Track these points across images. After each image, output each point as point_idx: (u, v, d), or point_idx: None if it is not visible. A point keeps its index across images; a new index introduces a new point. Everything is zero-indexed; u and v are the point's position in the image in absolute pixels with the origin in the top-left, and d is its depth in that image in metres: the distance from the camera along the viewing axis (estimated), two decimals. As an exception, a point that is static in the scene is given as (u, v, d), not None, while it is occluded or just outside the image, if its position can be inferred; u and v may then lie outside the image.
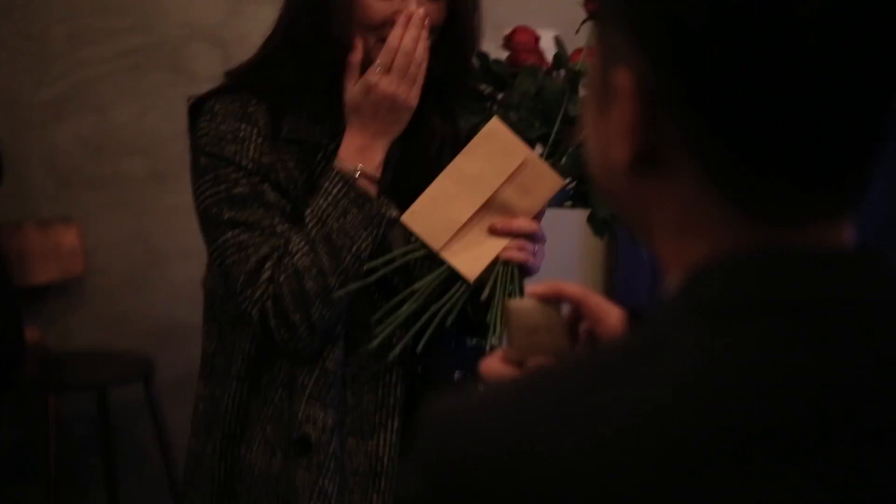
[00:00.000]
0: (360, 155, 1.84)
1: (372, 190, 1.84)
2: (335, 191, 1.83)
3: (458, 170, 1.82)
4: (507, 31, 1.89)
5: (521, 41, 1.85)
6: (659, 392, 0.69)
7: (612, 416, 0.69)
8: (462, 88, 1.91)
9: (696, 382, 0.69)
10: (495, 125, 1.82)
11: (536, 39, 1.87)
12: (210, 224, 1.87)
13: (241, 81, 1.90)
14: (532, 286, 1.19)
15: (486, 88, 1.91)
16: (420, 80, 1.82)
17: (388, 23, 1.83)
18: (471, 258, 1.84)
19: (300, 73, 1.87)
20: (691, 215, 0.75)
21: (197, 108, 1.90)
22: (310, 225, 1.83)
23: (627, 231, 1.78)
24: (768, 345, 0.69)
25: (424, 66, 1.82)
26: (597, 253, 3.39)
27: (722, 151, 0.72)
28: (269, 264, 1.83)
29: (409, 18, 1.81)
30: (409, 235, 1.87)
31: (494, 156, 1.81)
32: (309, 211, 1.84)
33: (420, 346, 1.84)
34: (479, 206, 1.83)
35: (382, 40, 1.83)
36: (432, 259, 1.85)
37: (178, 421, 3.14)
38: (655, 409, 0.68)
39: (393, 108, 1.82)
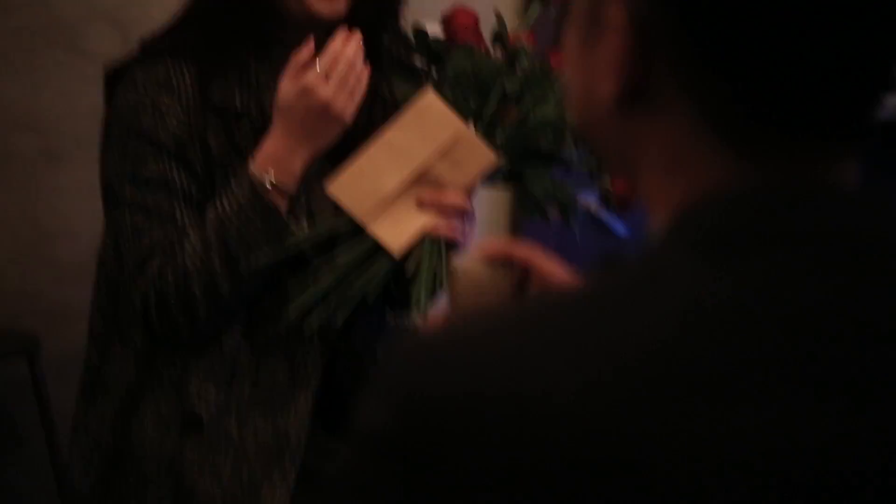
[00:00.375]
0: (277, 163, 1.76)
1: (282, 204, 1.77)
2: (241, 197, 1.75)
3: (388, 142, 1.77)
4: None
5: (460, 23, 1.82)
6: (659, 329, 0.66)
7: (608, 355, 0.66)
8: (391, 43, 1.86)
9: (698, 319, 0.66)
10: (429, 98, 1.78)
11: (476, 20, 1.84)
12: (111, 200, 1.81)
13: (164, 45, 1.81)
14: (479, 247, 1.18)
15: (420, 63, 1.87)
16: (357, 98, 1.75)
17: None
18: (397, 232, 1.79)
19: (229, 28, 1.79)
20: (681, 153, 0.72)
21: (116, 75, 1.83)
22: (209, 226, 1.76)
23: (556, 214, 1.81)
24: (771, 278, 0.67)
25: (364, 83, 1.75)
26: (499, 232, 3.41)
27: (716, 87, 0.70)
28: (159, 256, 1.76)
29: (347, 35, 1.74)
30: (335, 208, 1.81)
31: (427, 129, 1.76)
32: (211, 209, 1.76)
33: (339, 320, 1.79)
34: (408, 179, 1.78)
35: None
36: (358, 232, 1.80)
37: (63, 403, 3.07)
38: (655, 347, 0.65)
39: (325, 118, 1.74)
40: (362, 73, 1.74)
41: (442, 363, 0.69)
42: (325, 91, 1.72)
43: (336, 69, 1.72)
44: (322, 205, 1.84)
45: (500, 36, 1.85)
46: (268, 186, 1.75)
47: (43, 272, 3.38)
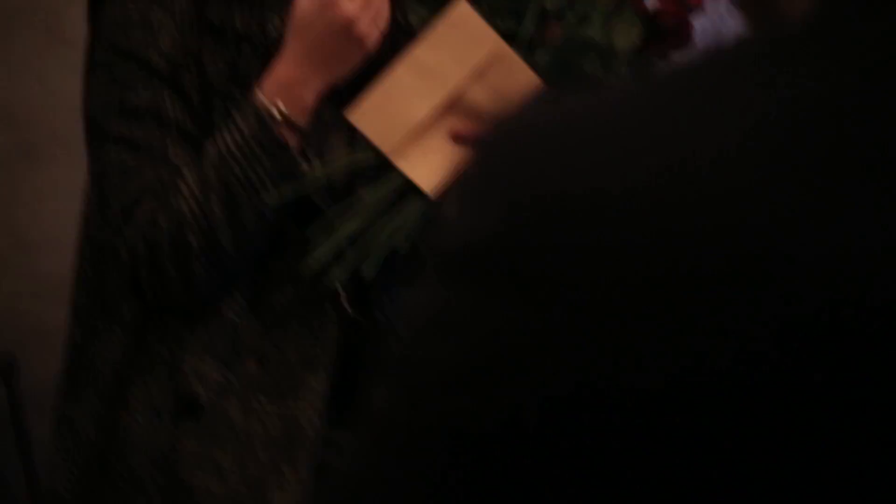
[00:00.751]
0: (288, 91, 1.60)
1: (292, 140, 1.61)
2: (246, 130, 1.60)
3: (417, 60, 1.61)
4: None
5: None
6: (821, 89, 0.55)
7: (758, 125, 0.55)
8: None
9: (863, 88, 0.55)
10: (462, 9, 1.62)
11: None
12: (94, 136, 1.67)
13: None
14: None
15: None
16: (382, 23, 1.59)
17: None
18: (429, 167, 1.63)
19: None
20: None
21: None
22: (208, 164, 1.61)
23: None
24: None
25: (388, 6, 1.59)
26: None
27: None
28: (150, 200, 1.61)
29: None
30: (354, 138, 1.65)
31: (459, 45, 1.61)
32: (210, 145, 1.61)
33: (369, 272, 1.61)
34: (440, 105, 1.62)
35: None
36: (383, 170, 1.64)
37: (42, 430, 2.92)
38: (803, 118, 0.54)
39: (348, 38, 1.57)
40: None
41: (566, 154, 0.58)
42: (349, 6, 1.57)
43: None
44: (337, 146, 1.68)
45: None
46: (277, 117, 1.60)
47: (20, 286, 3.24)
